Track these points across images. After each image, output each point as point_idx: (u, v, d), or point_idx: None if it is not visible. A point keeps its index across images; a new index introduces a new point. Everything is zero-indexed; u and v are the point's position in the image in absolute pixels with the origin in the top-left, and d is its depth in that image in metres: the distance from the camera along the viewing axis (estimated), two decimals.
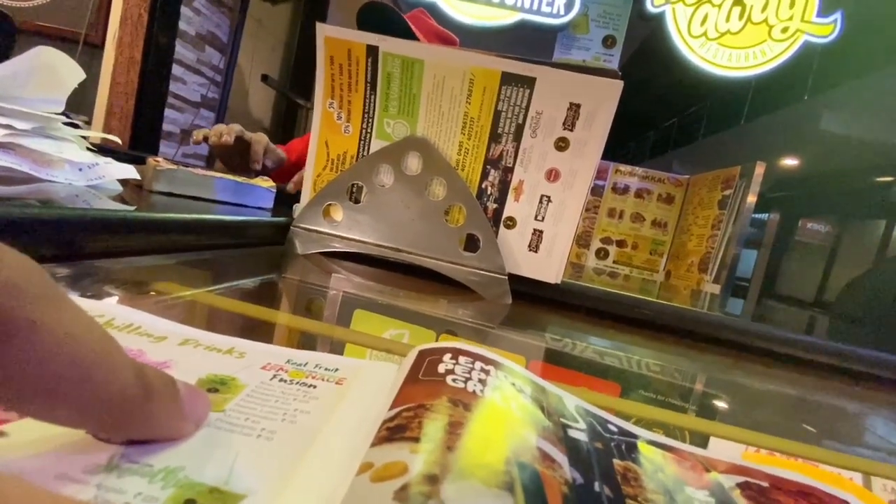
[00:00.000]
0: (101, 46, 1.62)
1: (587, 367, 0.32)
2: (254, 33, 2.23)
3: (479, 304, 0.43)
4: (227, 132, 0.83)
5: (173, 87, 1.78)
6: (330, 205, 0.46)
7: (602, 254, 1.10)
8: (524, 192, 0.43)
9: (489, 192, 0.44)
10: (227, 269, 0.39)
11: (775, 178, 5.73)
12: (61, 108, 0.43)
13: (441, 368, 0.14)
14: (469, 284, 0.44)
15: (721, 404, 0.31)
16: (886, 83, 3.70)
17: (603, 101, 0.39)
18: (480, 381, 0.14)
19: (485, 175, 0.44)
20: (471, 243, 0.45)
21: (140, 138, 1.70)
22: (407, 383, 0.13)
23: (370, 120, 0.44)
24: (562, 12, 2.43)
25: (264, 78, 2.24)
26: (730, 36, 2.42)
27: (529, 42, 2.16)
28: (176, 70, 1.77)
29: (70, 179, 0.36)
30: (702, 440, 0.21)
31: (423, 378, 0.13)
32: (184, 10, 1.72)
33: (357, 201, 0.46)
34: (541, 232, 0.44)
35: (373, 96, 0.43)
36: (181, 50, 1.75)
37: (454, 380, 0.13)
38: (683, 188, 1.07)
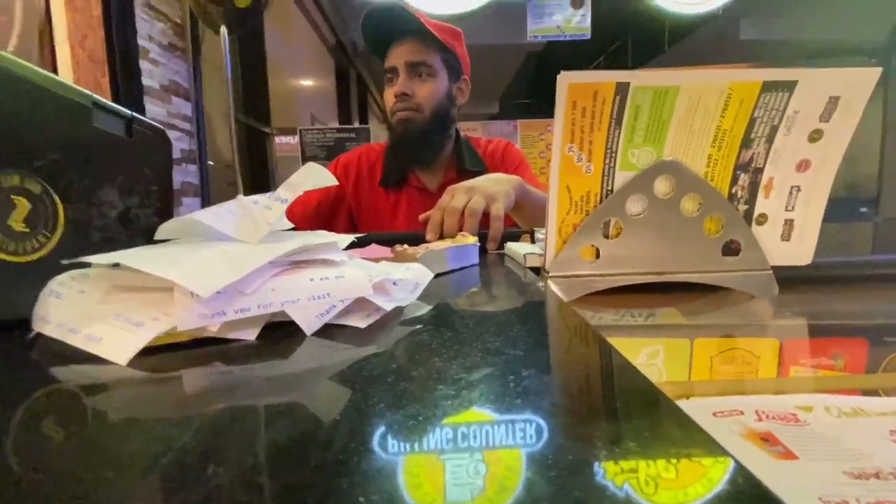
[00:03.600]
0: None
1: None
2: (205, 70, 2.08)
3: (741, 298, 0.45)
4: (435, 230, 0.70)
5: None
6: (585, 246, 0.46)
7: None
8: (774, 187, 0.45)
9: (739, 196, 0.45)
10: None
11: None
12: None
13: None
14: (736, 287, 0.46)
15: None
16: None
17: (862, 89, 0.40)
18: None
19: (734, 180, 0.45)
20: (726, 247, 0.46)
21: None
22: None
23: (613, 155, 0.44)
24: None
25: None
26: None
27: (504, 17, 2.13)
28: None
29: (407, 298, 0.34)
30: None
31: None
32: (143, 63, 1.57)
33: (607, 236, 0.46)
34: (791, 221, 0.46)
35: (617, 131, 0.43)
36: (151, 108, 1.61)
37: None
38: None
